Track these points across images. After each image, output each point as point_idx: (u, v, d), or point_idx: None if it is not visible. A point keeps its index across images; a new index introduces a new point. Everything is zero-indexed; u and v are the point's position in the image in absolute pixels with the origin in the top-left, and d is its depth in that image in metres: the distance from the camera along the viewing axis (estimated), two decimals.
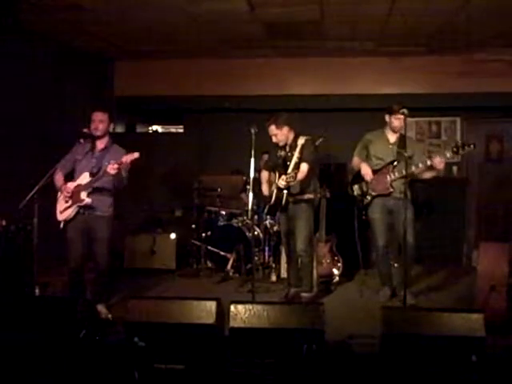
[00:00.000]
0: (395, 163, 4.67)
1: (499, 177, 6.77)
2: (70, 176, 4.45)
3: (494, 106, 6.58)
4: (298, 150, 4.71)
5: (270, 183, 5.01)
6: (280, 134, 4.79)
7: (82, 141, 4.40)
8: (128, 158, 4.15)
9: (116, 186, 4.37)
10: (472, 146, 4.34)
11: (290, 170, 4.63)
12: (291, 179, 4.49)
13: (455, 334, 2.96)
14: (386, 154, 4.77)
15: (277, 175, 4.86)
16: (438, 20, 5.17)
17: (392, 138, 4.80)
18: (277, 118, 4.79)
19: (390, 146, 4.78)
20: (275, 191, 4.81)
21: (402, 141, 4.60)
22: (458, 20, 5.13)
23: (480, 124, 6.72)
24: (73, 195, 4.30)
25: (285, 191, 4.69)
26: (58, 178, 4.40)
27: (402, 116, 4.49)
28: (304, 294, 4.91)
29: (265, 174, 5.12)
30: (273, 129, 4.79)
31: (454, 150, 4.36)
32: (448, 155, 4.44)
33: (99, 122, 4.39)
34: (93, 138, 4.42)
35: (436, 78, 6.54)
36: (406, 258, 4.37)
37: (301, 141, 4.74)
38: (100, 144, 4.46)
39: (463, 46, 6.16)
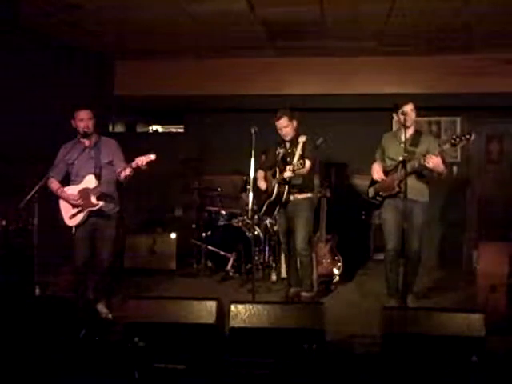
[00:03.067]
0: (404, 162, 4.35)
1: (499, 177, 6.77)
2: (65, 180, 4.41)
3: (494, 106, 6.58)
4: (299, 146, 4.71)
5: (268, 181, 4.99)
6: (290, 127, 4.77)
7: (67, 145, 4.39)
8: (143, 160, 4.13)
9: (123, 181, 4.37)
10: (468, 135, 4.09)
11: (295, 161, 4.59)
12: (299, 166, 4.41)
13: (455, 334, 2.96)
14: (397, 154, 4.52)
15: (277, 171, 4.83)
16: (438, 20, 5.17)
17: (404, 136, 4.44)
18: (287, 110, 4.78)
19: (401, 145, 4.47)
20: (276, 186, 4.78)
21: (416, 138, 4.50)
22: (458, 20, 5.13)
23: (480, 124, 6.71)
24: (82, 200, 4.28)
25: (286, 186, 4.68)
26: (55, 185, 4.33)
27: (407, 109, 4.42)
28: (304, 294, 4.90)
29: (261, 174, 5.09)
30: (285, 120, 4.74)
31: (452, 141, 4.13)
32: (444, 147, 4.23)
33: (88, 119, 4.33)
34: (84, 136, 4.35)
35: (436, 78, 6.54)
36: (409, 261, 4.36)
37: (302, 139, 4.76)
38: (88, 142, 4.41)
39: (463, 46, 6.16)
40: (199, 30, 5.59)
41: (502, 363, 3.23)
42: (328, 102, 6.78)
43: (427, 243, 5.82)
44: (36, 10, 4.93)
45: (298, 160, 4.56)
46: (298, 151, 4.69)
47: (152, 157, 4.14)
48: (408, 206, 4.26)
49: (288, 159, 4.78)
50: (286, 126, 4.77)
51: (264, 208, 5.00)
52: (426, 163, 4.21)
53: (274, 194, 4.80)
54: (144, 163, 4.14)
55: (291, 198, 4.78)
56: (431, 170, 4.32)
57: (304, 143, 4.73)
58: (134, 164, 4.16)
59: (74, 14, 5.04)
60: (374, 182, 4.74)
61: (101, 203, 4.28)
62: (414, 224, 4.45)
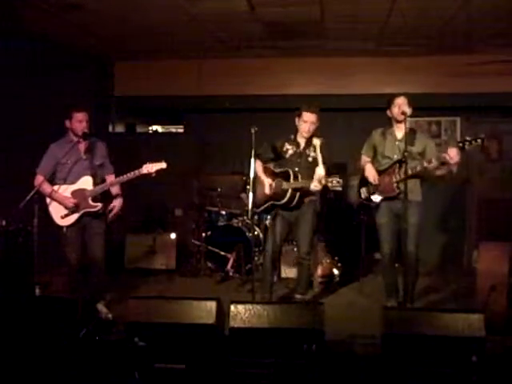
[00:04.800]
0: (402, 161, 4.23)
1: (499, 177, 6.77)
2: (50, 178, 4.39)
3: (494, 106, 6.58)
4: (317, 150, 4.46)
5: (268, 176, 4.65)
6: (315, 126, 4.55)
7: (62, 141, 4.40)
8: (152, 167, 4.15)
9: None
10: (479, 140, 3.97)
11: (322, 172, 4.27)
12: (337, 184, 4.15)
13: (455, 334, 2.96)
14: (392, 152, 4.40)
15: (291, 175, 4.49)
16: (438, 20, 5.17)
17: (399, 133, 4.39)
18: (318, 108, 4.55)
19: (397, 143, 4.37)
20: (290, 191, 4.46)
21: (411, 136, 4.34)
22: (458, 20, 5.13)
23: (480, 124, 6.71)
24: (77, 201, 4.28)
25: (298, 192, 4.45)
26: (47, 188, 4.31)
27: (399, 101, 4.31)
28: (298, 296, 4.75)
29: (259, 166, 4.68)
30: (315, 116, 4.51)
31: (460, 145, 4.04)
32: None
33: (87, 121, 4.34)
34: (83, 138, 4.35)
35: (436, 78, 6.54)
36: (406, 265, 4.27)
37: (317, 141, 4.51)
38: (83, 143, 4.41)
39: (463, 46, 6.16)
40: (199, 30, 5.59)
41: (501, 363, 3.23)
42: (328, 102, 6.76)
43: (427, 243, 5.82)
44: (36, 11, 4.93)
45: (325, 169, 4.28)
46: (318, 155, 4.40)
47: (163, 165, 4.16)
48: (403, 206, 4.14)
49: (299, 160, 4.55)
50: (313, 123, 4.52)
51: (264, 207, 4.69)
52: (450, 159, 4.02)
53: (287, 199, 4.48)
54: (153, 170, 4.15)
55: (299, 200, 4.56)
56: (448, 166, 4.15)
57: (321, 146, 4.47)
58: (144, 170, 4.17)
59: (74, 14, 5.04)
60: (365, 182, 4.60)
61: (100, 205, 4.30)
62: (410, 224, 4.26)
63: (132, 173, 4.23)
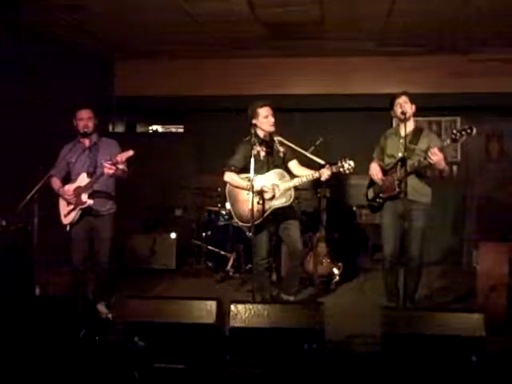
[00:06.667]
0: (404, 159, 4.14)
1: (499, 176, 6.77)
2: (65, 180, 4.48)
3: (494, 106, 6.58)
4: (286, 142, 4.40)
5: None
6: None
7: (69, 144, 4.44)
8: (123, 156, 4.16)
9: (117, 179, 4.38)
10: (470, 130, 3.91)
11: (321, 160, 4.25)
12: (350, 167, 4.15)
13: (455, 334, 2.96)
14: (396, 150, 4.35)
15: (285, 172, 4.38)
16: (437, 20, 5.17)
17: (403, 132, 4.18)
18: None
19: (401, 141, 4.25)
20: (293, 190, 4.33)
21: (417, 135, 4.33)
22: (458, 20, 5.13)
23: (480, 124, 6.68)
24: (75, 198, 4.31)
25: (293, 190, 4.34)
26: (55, 183, 4.42)
27: (400, 101, 4.29)
28: (291, 298, 4.59)
29: (236, 180, 4.51)
30: (271, 108, 4.39)
31: (453, 136, 3.98)
32: (445, 144, 4.06)
33: (88, 119, 4.37)
34: (84, 136, 4.39)
35: (436, 78, 6.54)
36: (408, 268, 4.23)
37: (278, 137, 4.45)
38: (88, 142, 4.44)
39: (463, 46, 6.16)
40: (199, 30, 5.59)
41: (501, 363, 3.23)
42: (328, 102, 6.77)
43: (427, 243, 5.83)
44: (37, 11, 4.93)
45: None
46: (297, 148, 4.36)
47: (130, 153, 4.16)
48: (407, 207, 4.11)
49: (272, 159, 4.43)
50: (273, 114, 4.36)
51: (267, 213, 4.36)
52: (429, 158, 4.05)
53: (293, 198, 4.35)
54: (123, 159, 4.17)
55: None
56: (433, 167, 4.16)
57: (283, 140, 4.43)
58: (114, 160, 4.18)
59: (75, 14, 5.04)
60: (372, 183, 4.58)
61: (89, 201, 4.29)
62: (413, 227, 4.26)
63: (106, 164, 4.17)
